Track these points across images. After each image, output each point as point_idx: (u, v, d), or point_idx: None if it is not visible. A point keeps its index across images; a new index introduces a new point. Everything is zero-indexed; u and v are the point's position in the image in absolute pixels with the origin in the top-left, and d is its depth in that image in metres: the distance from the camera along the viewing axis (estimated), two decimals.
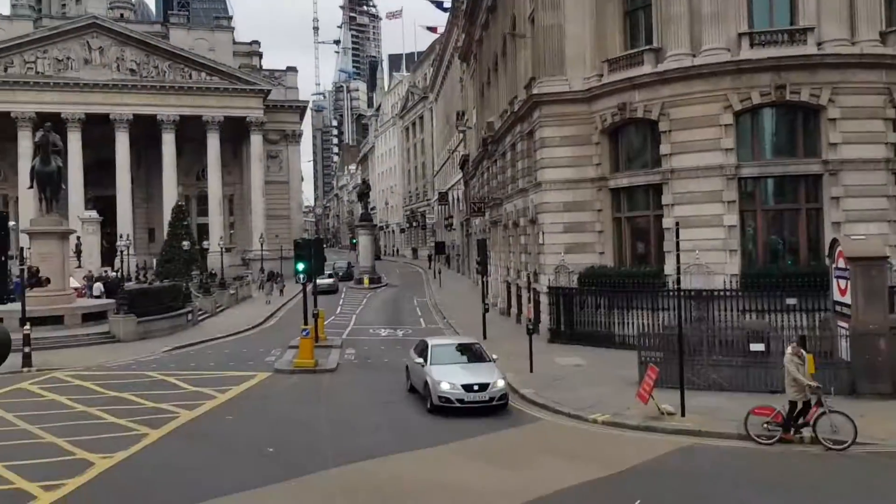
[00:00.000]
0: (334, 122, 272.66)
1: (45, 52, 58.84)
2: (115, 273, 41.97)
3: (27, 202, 58.63)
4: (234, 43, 74.29)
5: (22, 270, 24.03)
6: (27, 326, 23.03)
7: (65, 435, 14.69)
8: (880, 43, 22.71)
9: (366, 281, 55.22)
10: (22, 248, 24.60)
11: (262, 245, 59.43)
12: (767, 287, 21.71)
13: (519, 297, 32.10)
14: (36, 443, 14.36)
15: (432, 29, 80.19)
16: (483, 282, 28.72)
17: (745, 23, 23.18)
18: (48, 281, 24.81)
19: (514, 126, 31.22)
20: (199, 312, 35.42)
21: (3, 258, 8.39)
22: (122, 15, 74.38)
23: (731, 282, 22.36)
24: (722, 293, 22.21)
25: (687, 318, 22.76)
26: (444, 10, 69.54)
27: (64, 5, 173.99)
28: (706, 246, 22.83)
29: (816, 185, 22.74)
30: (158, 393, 18.80)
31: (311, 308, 25.70)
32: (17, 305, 26.44)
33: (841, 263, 17.21)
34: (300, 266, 24.18)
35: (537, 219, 27.75)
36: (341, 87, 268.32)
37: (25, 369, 22.45)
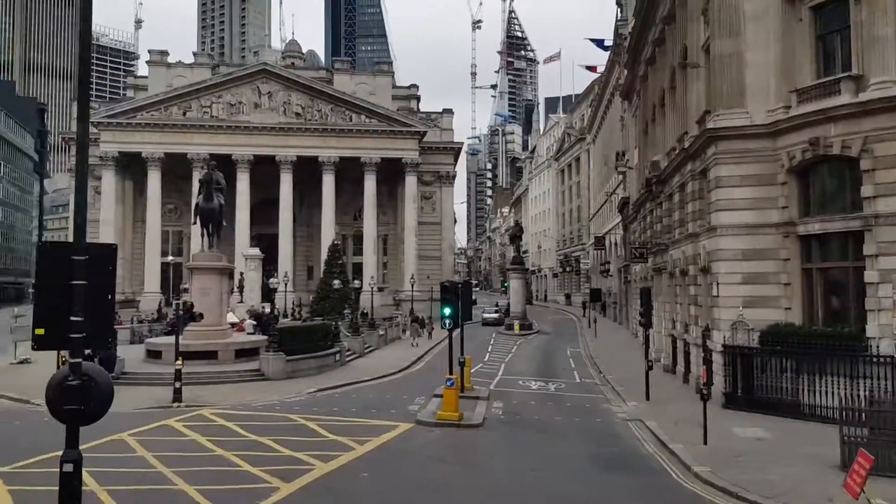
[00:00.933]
0: (488, 165, 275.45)
1: (220, 97, 62.38)
2: (267, 309, 42.46)
3: (198, 238, 61.98)
4: (394, 87, 76.13)
5: (178, 305, 24.32)
6: (179, 361, 23.12)
7: (197, 482, 13.87)
8: None
9: (516, 327, 53.38)
10: (179, 284, 25.01)
11: (412, 286, 59.17)
12: None
13: (686, 353, 29.11)
14: (166, 489, 13.60)
15: (591, 68, 78.38)
16: (646, 335, 26.14)
17: None
18: (201, 316, 24.99)
19: (684, 164, 28.63)
20: (348, 353, 34.95)
21: (110, 297, 7.20)
22: (292, 63, 78.10)
23: None
24: None
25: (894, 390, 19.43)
26: (605, 48, 67.63)
27: (243, 56, 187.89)
28: None
29: None
30: (296, 440, 17.83)
31: (457, 355, 24.19)
32: (169, 339, 26.91)
33: None
34: (446, 311, 22.74)
35: (710, 268, 24.95)
36: (496, 130, 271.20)
37: (175, 404, 22.44)
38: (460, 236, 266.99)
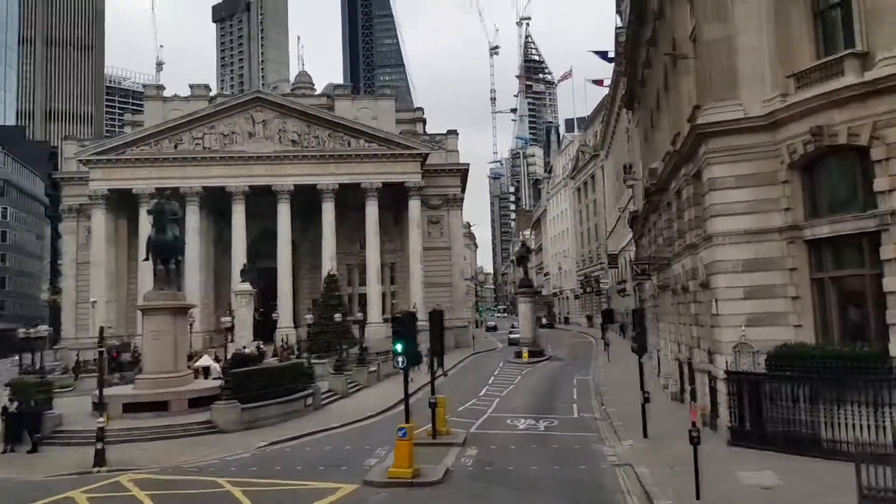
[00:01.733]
0: (511, 189, 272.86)
1: (213, 127, 60.52)
2: (247, 350, 39.79)
3: (196, 275, 59.84)
4: (398, 111, 73.99)
5: (101, 353, 21.74)
6: (102, 418, 20.48)
7: None
8: None
9: (525, 354, 50.05)
10: (101, 328, 22.40)
11: (414, 315, 56.10)
12: None
13: (692, 379, 25.86)
14: None
15: (598, 82, 75.34)
16: (640, 363, 22.94)
17: None
18: (132, 365, 22.40)
19: (679, 169, 25.60)
20: (327, 394, 32.14)
21: None
22: (303, 94, 76.16)
23: None
24: None
25: None
26: (610, 60, 64.78)
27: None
28: None
29: None
30: None
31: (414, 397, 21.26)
32: (118, 390, 24.37)
33: None
34: (398, 347, 19.76)
35: (709, 282, 21.82)
36: (517, 153, 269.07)
37: (95, 469, 19.74)
38: (486, 261, 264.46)
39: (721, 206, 20.95)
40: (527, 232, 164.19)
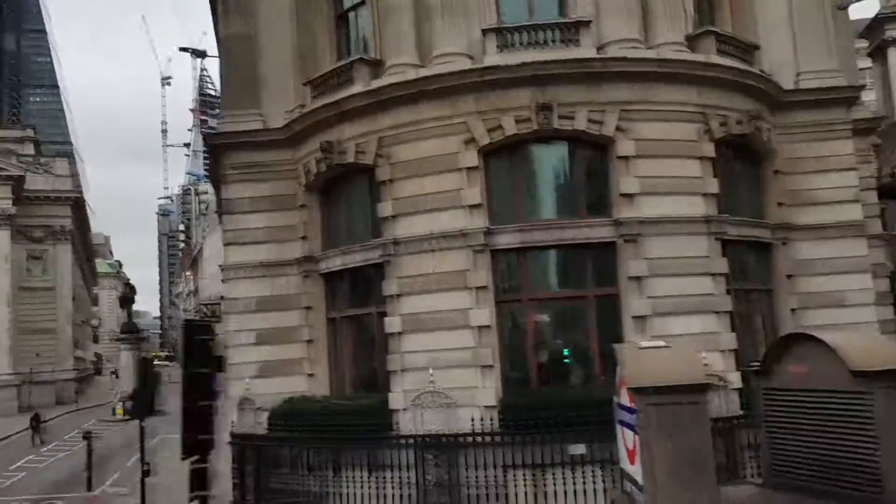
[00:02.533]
0: (182, 227, 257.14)
1: None
2: None
3: None
4: (4, 129, 63.08)
5: None
6: None
7: None
8: (686, 47, 15.30)
9: (118, 410, 43.15)
10: None
11: None
12: (542, 427, 12.91)
13: None
14: None
15: None
16: (142, 427, 18.37)
17: (492, 15, 15.24)
18: None
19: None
20: None
21: None
22: None
23: (485, 419, 13.41)
24: (472, 439, 13.21)
25: (422, 481, 13.82)
26: None
27: None
28: (446, 360, 14.07)
29: (610, 260, 14.48)
30: None
31: None
32: None
33: (625, 398, 8.33)
34: None
35: (227, 324, 18.20)
36: (189, 189, 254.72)
37: None
38: (152, 305, 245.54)
39: (235, 233, 17.59)
40: (189, 273, 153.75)
